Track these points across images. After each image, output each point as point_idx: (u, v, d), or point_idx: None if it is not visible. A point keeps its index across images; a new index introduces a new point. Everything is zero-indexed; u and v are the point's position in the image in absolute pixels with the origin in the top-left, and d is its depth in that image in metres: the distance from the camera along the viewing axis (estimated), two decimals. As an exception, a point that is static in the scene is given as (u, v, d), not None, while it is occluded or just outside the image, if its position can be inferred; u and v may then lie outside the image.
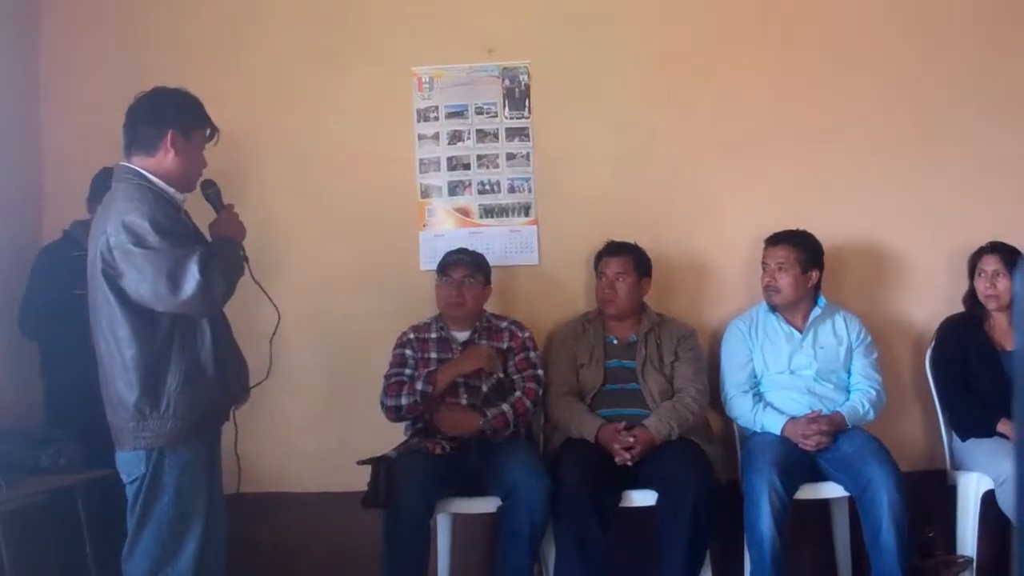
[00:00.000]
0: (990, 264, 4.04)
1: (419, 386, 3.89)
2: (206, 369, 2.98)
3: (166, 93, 3.07)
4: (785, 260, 4.05)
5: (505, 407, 3.91)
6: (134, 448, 2.95)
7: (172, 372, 2.93)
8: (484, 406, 3.96)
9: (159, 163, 3.03)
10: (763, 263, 4.11)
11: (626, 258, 4.12)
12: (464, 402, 3.97)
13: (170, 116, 3.02)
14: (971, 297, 4.13)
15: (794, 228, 4.11)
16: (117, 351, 2.93)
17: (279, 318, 3.34)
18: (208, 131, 3.11)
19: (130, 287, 2.89)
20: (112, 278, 2.91)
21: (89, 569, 3.81)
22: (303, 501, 4.31)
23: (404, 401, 3.89)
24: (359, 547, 4.02)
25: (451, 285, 4.03)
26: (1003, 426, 3.86)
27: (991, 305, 4.03)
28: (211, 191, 3.26)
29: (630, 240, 4.18)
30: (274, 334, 3.35)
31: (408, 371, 4.02)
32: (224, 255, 3.01)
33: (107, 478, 3.75)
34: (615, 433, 3.84)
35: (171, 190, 3.05)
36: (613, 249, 4.15)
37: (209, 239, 3.14)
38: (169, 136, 3.01)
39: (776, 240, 4.10)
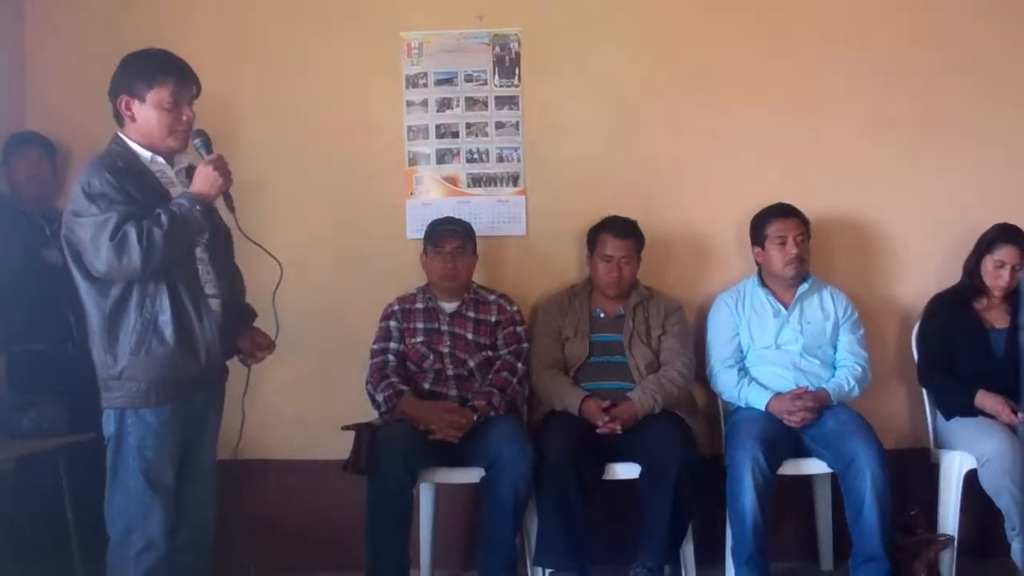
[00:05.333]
0: (1011, 258, 3.98)
1: (380, 398, 3.89)
2: (164, 334, 2.92)
3: (123, 61, 3.04)
4: (801, 232, 4.05)
5: (495, 396, 3.90)
6: (106, 407, 2.98)
7: (125, 334, 2.91)
8: (471, 380, 3.98)
9: (129, 130, 3.04)
10: (777, 236, 4.04)
11: (632, 240, 4.10)
12: (451, 379, 3.98)
13: (119, 83, 3.01)
14: (970, 272, 4.09)
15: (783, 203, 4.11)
16: (86, 313, 2.98)
17: (282, 271, 3.23)
18: (171, 88, 3.00)
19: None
20: (72, 244, 2.93)
21: (70, 533, 3.81)
22: (286, 468, 4.30)
23: (380, 397, 3.90)
24: (342, 515, 4.02)
25: (444, 257, 4.01)
26: (981, 398, 3.87)
27: (997, 293, 4.01)
28: (197, 141, 3.14)
29: (620, 213, 4.15)
30: (276, 289, 3.27)
31: (393, 345, 4.02)
32: (162, 216, 2.87)
33: (89, 442, 3.76)
34: (598, 410, 3.83)
35: (147, 153, 3.03)
36: (620, 230, 4.09)
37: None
38: (121, 103, 3.01)
39: (788, 213, 4.07)
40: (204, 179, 3.04)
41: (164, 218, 2.87)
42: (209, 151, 3.12)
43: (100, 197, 2.86)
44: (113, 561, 2.98)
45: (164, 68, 3.01)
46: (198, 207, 2.97)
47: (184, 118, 3.05)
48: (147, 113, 3.00)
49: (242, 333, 3.27)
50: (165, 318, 2.93)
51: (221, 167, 3.06)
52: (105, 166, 2.91)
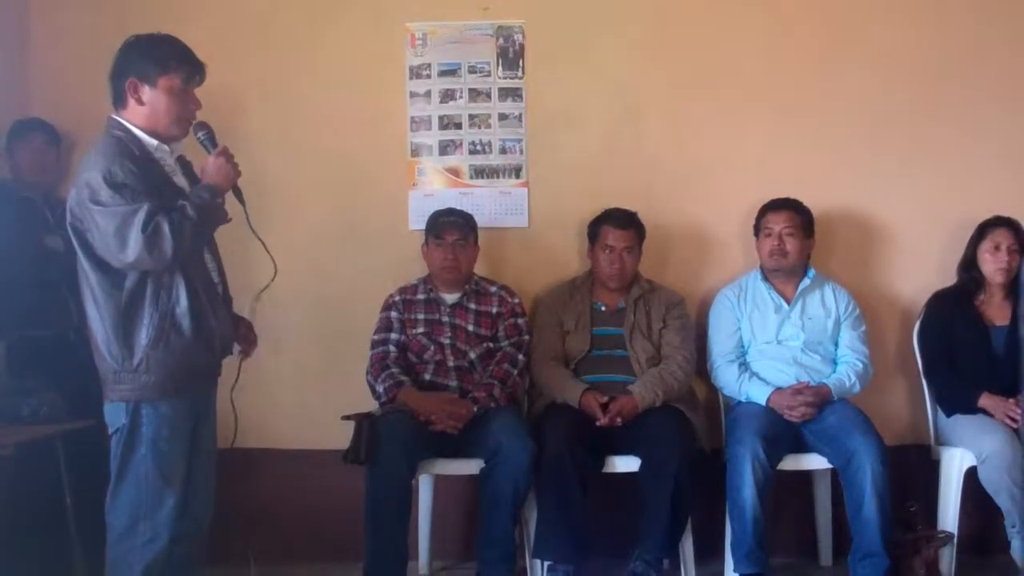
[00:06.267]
0: (1006, 239, 4.00)
1: (380, 388, 3.89)
2: (181, 326, 2.91)
3: (131, 43, 2.99)
4: (791, 225, 4.04)
5: (495, 388, 3.90)
6: (115, 399, 2.94)
7: (144, 326, 2.88)
8: (471, 371, 3.97)
9: (132, 114, 2.98)
10: (765, 228, 4.08)
11: (633, 231, 4.10)
12: (452, 370, 3.97)
13: (129, 66, 2.96)
14: (968, 267, 4.09)
15: (786, 196, 4.11)
16: (93, 302, 2.92)
17: (275, 272, 3.23)
18: (183, 76, 2.98)
19: (93, 243, 2.87)
20: (80, 232, 2.89)
21: (68, 520, 3.80)
22: (286, 458, 4.30)
23: (380, 387, 3.89)
24: (342, 505, 4.01)
25: (445, 248, 4.01)
26: (984, 400, 3.87)
27: (998, 278, 4.01)
28: (202, 134, 3.12)
29: (622, 206, 4.14)
30: (264, 289, 3.25)
31: (394, 336, 4.01)
32: (188, 208, 2.88)
33: (88, 429, 3.75)
34: (596, 405, 3.83)
35: (152, 141, 2.99)
36: (621, 221, 4.09)
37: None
38: (129, 86, 2.95)
39: (781, 205, 4.08)
40: (217, 171, 3.02)
41: (191, 210, 2.87)
42: (214, 144, 3.10)
43: (124, 187, 2.82)
44: (116, 554, 2.96)
45: (177, 54, 2.98)
46: (219, 200, 2.98)
47: (192, 106, 3.02)
48: (156, 98, 2.95)
49: (233, 325, 3.25)
50: (182, 310, 2.91)
51: (231, 158, 3.05)
52: (124, 154, 2.87)
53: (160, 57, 2.96)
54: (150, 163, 2.96)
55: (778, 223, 4.05)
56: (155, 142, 2.99)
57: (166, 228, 2.79)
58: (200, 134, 3.12)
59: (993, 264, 4.01)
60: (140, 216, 2.78)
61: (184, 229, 2.83)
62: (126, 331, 2.89)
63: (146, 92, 2.96)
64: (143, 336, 2.88)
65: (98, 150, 2.91)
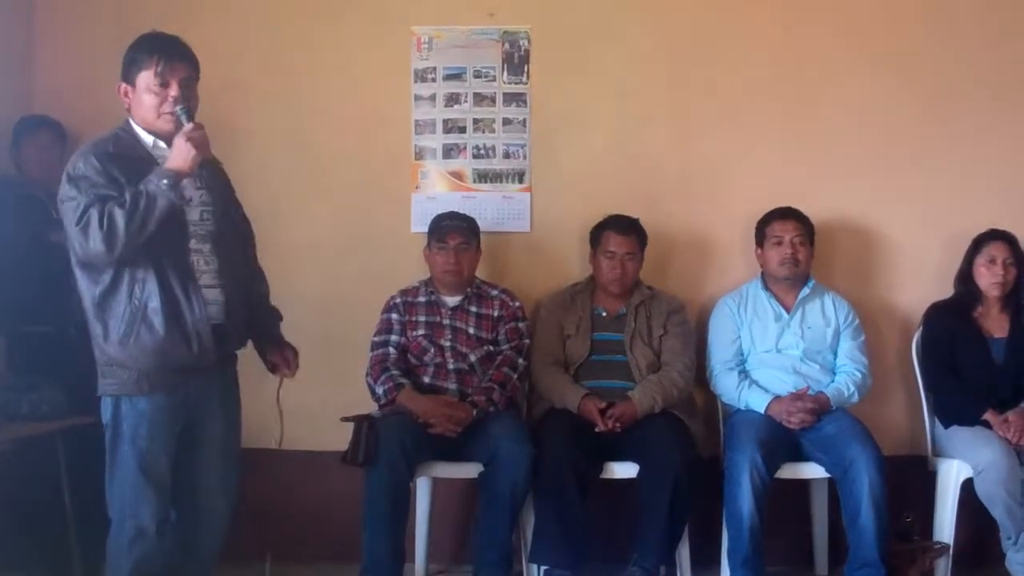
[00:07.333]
0: (1001, 252, 4.01)
1: (380, 390, 3.90)
2: (153, 322, 2.87)
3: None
4: (800, 233, 4.06)
5: (495, 392, 3.90)
6: (100, 393, 2.96)
7: (115, 321, 2.87)
8: (471, 374, 3.97)
9: (133, 115, 3.00)
10: (773, 237, 4.08)
11: (635, 237, 4.11)
12: (452, 373, 3.97)
13: (120, 72, 2.98)
14: (965, 280, 4.10)
15: (787, 206, 4.13)
16: (81, 299, 2.95)
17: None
18: (155, 67, 2.92)
19: None
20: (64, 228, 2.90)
21: (67, 517, 3.80)
22: (284, 458, 4.26)
23: (380, 389, 3.90)
24: (340, 507, 4.03)
25: (447, 252, 4.01)
26: (988, 417, 3.87)
27: (994, 292, 4.02)
28: (178, 108, 2.92)
29: (624, 212, 4.15)
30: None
31: (394, 338, 4.02)
32: (127, 198, 2.78)
33: (88, 425, 3.74)
34: (596, 410, 3.83)
35: (148, 139, 2.98)
36: (623, 227, 4.10)
37: None
38: (120, 90, 2.98)
39: (787, 214, 4.09)
40: (177, 153, 2.88)
41: (127, 197, 2.79)
42: (190, 119, 2.93)
43: (82, 180, 2.81)
44: (111, 547, 2.99)
45: (149, 49, 2.94)
46: (164, 181, 2.81)
47: (172, 99, 2.93)
48: (138, 97, 2.96)
49: (273, 348, 3.27)
50: (154, 305, 2.88)
51: (195, 139, 2.88)
52: (94, 150, 2.87)
53: (135, 55, 2.95)
54: (139, 160, 2.93)
55: (788, 232, 4.06)
56: (151, 140, 2.99)
57: (94, 220, 2.75)
58: (177, 108, 2.95)
59: (989, 278, 4.02)
60: (79, 210, 2.78)
61: (113, 219, 2.76)
62: (102, 326, 2.89)
63: (131, 93, 2.97)
64: (115, 331, 2.87)
65: (79, 148, 2.94)
